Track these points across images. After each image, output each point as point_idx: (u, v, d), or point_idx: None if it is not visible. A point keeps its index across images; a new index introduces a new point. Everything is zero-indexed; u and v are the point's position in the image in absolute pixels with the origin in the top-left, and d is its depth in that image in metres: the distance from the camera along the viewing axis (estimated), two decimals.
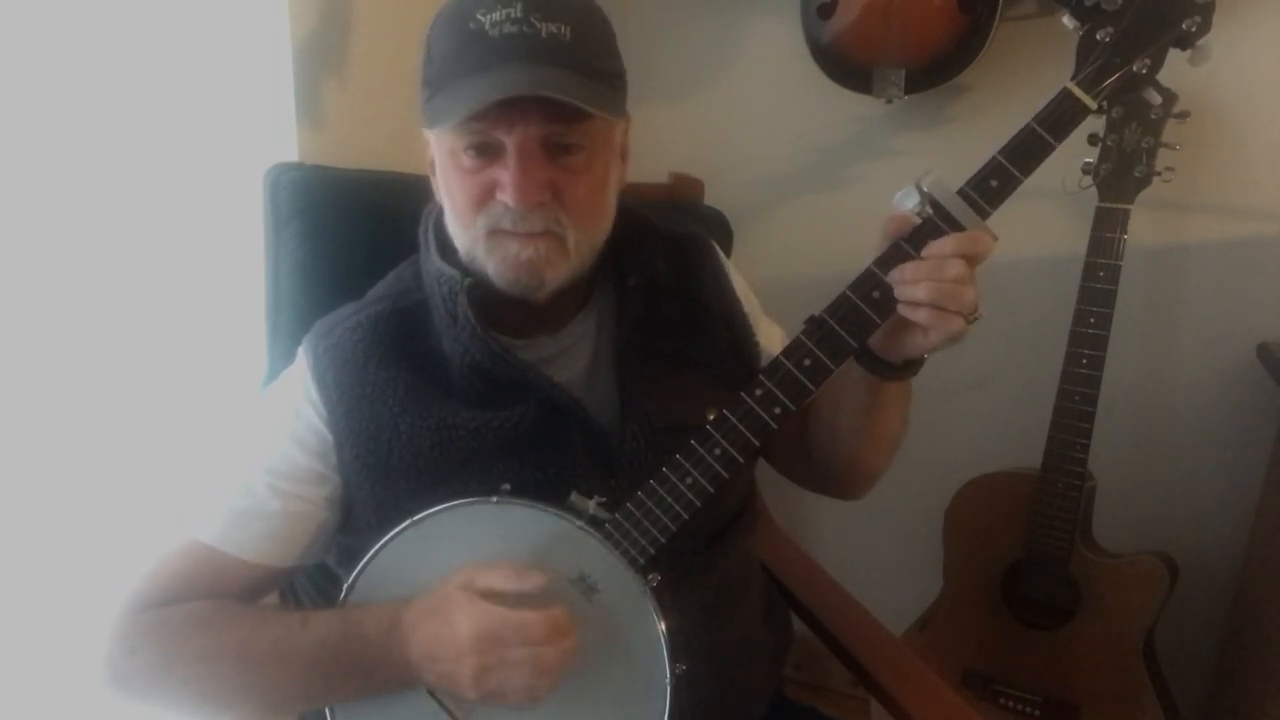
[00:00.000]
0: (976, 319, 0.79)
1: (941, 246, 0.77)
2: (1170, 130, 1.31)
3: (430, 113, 0.84)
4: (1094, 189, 1.36)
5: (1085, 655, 1.46)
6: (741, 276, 1.10)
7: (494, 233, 0.85)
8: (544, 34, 0.79)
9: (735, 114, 1.80)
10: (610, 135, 0.88)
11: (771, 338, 1.08)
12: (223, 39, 1.16)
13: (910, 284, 0.77)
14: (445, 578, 0.80)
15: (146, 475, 1.15)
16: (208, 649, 0.81)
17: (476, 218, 0.85)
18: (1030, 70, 1.55)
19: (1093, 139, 1.35)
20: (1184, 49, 0.79)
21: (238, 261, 1.16)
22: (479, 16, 0.79)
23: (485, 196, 0.84)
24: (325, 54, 1.27)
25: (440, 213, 0.93)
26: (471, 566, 0.79)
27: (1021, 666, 1.52)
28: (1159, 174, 1.32)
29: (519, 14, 0.79)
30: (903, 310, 0.79)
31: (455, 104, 0.80)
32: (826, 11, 1.54)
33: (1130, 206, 1.34)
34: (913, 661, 1.12)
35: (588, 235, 0.88)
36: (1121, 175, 1.33)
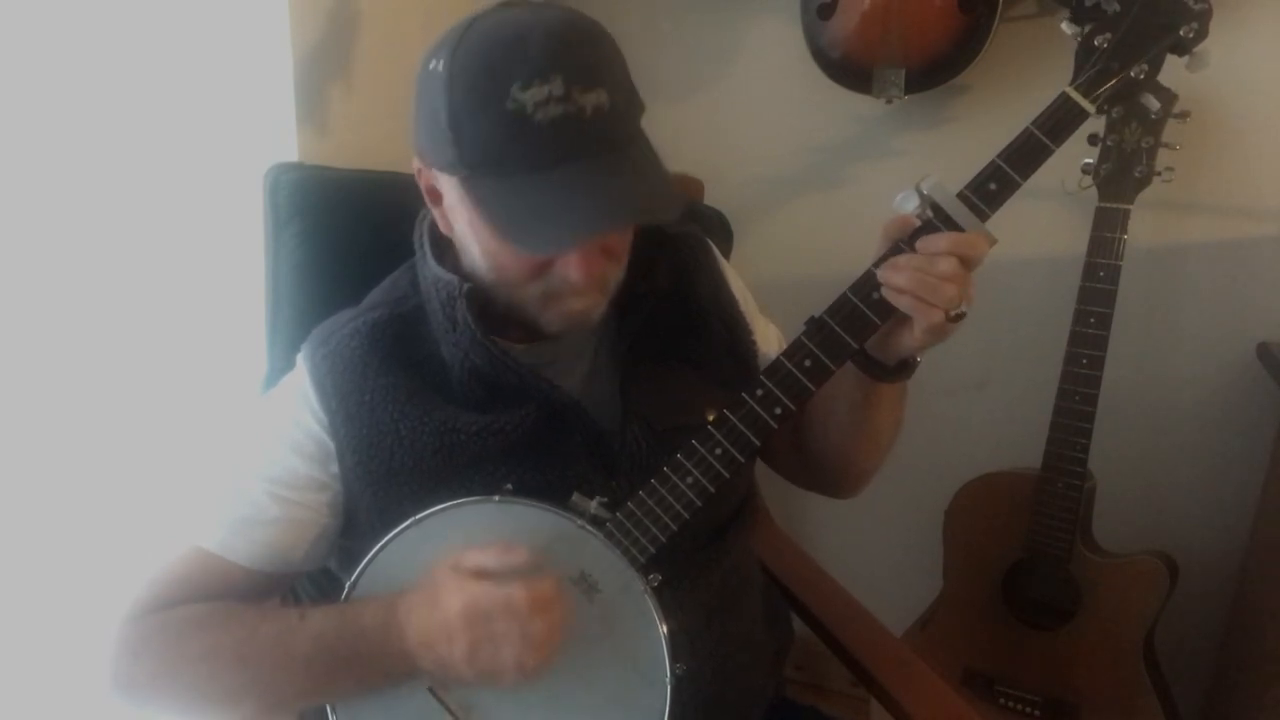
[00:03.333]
0: (960, 316, 0.79)
1: (936, 243, 0.78)
2: (1170, 130, 1.31)
3: (474, 194, 0.80)
4: (1094, 189, 1.35)
5: (1085, 655, 1.46)
6: (738, 274, 1.10)
7: (550, 295, 0.85)
8: (589, 111, 0.75)
9: (735, 114, 1.80)
10: None
11: (768, 336, 1.08)
12: (223, 39, 1.16)
13: (896, 270, 0.78)
14: (436, 565, 0.80)
15: (147, 477, 1.15)
16: (208, 649, 0.81)
17: (530, 286, 0.84)
18: (1030, 70, 1.56)
19: (1093, 139, 1.34)
20: (1181, 55, 0.79)
21: (237, 262, 1.16)
22: (517, 94, 0.73)
23: (540, 271, 0.83)
24: (325, 54, 1.27)
25: (434, 218, 0.93)
26: (460, 550, 0.80)
27: (1021, 666, 1.52)
28: (1159, 174, 1.32)
29: (560, 91, 0.73)
30: (885, 294, 0.79)
31: (524, 227, 0.77)
32: (826, 12, 1.54)
33: (1130, 206, 1.34)
34: (913, 661, 1.12)
35: (622, 269, 0.89)
36: (1121, 175, 1.33)
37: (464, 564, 0.78)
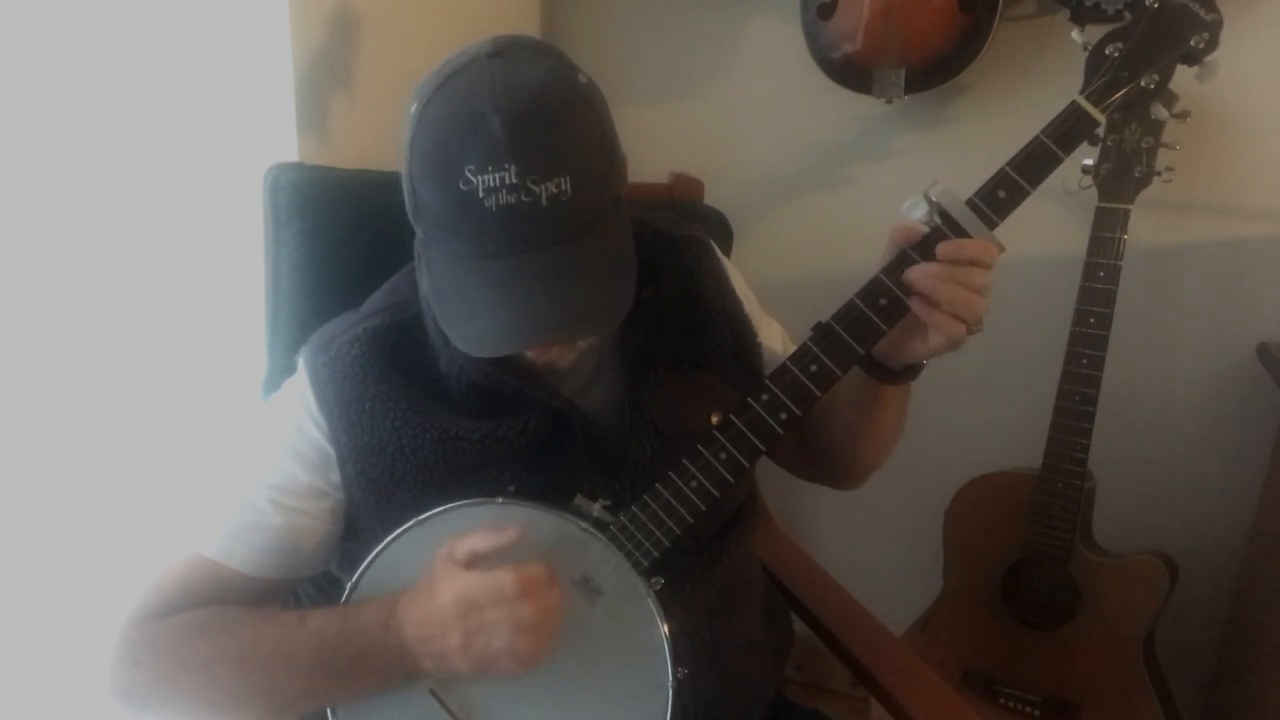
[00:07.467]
0: (978, 330, 0.80)
1: (960, 249, 0.77)
2: (1170, 130, 1.31)
3: (427, 254, 0.81)
4: (1094, 189, 1.35)
5: (1085, 655, 1.46)
6: (741, 275, 1.10)
7: None
8: (544, 200, 0.72)
9: (735, 114, 1.80)
10: None
11: (772, 336, 1.08)
12: (223, 39, 1.16)
13: (936, 279, 0.77)
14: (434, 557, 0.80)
15: (147, 479, 1.15)
16: (209, 654, 0.81)
17: None
18: (1030, 70, 1.56)
19: (1093, 139, 1.34)
20: (1191, 65, 0.79)
21: (238, 262, 1.16)
22: (470, 176, 0.71)
23: None
24: (326, 54, 1.26)
25: None
26: (452, 538, 0.79)
27: (1021, 666, 1.52)
28: (1159, 174, 1.32)
29: (514, 179, 0.71)
30: (916, 305, 0.79)
31: (459, 315, 0.78)
32: (826, 12, 1.54)
33: (1130, 206, 1.33)
34: (913, 662, 1.12)
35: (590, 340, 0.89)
36: (1121, 175, 1.33)
37: (456, 552, 0.78)
